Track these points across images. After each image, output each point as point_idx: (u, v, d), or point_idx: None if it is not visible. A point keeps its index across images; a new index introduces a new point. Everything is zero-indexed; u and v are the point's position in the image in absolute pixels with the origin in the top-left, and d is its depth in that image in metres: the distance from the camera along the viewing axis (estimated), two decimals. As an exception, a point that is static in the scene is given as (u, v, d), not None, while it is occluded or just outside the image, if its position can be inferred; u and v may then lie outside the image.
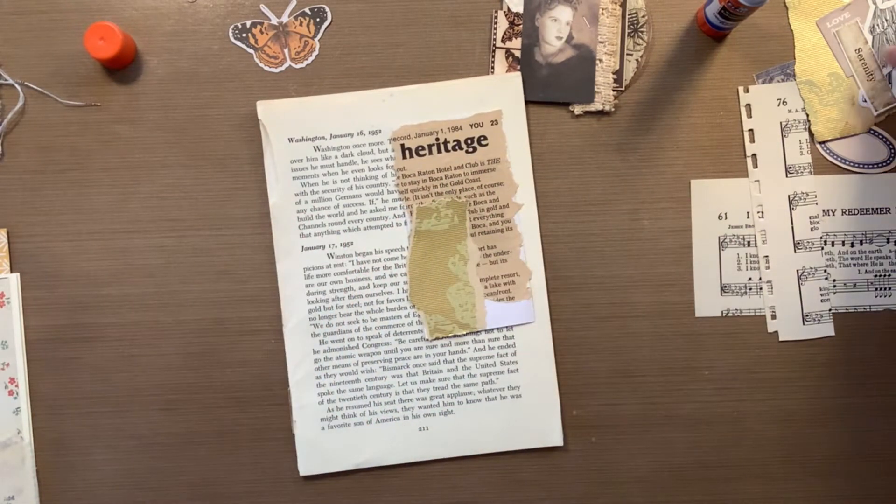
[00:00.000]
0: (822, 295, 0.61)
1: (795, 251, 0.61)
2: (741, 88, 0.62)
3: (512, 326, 0.60)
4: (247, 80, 0.61)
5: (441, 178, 0.60)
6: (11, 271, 0.61)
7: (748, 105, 0.62)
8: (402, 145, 0.60)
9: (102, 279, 0.61)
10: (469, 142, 0.60)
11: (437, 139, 0.60)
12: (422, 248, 0.60)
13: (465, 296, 0.60)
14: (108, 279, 0.61)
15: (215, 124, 0.61)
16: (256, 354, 0.61)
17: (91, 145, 0.61)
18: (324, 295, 0.60)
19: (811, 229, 0.61)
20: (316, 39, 0.62)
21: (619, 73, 0.62)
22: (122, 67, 0.61)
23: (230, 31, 0.61)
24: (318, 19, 0.62)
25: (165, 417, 0.61)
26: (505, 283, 0.60)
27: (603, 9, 0.61)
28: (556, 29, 0.61)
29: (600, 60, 0.61)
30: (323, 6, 0.62)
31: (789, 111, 0.61)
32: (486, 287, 0.60)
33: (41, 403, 0.61)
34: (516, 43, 0.61)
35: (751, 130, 0.62)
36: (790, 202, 0.61)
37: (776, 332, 0.61)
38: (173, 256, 0.61)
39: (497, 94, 0.61)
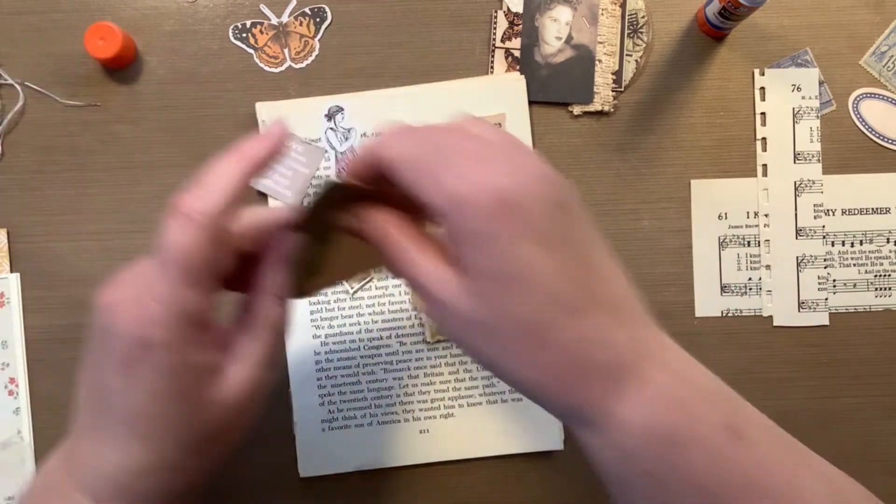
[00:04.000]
0: (819, 284, 0.61)
1: (797, 238, 0.61)
2: (756, 71, 0.62)
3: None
4: (247, 80, 0.61)
5: (443, 181, 0.60)
6: (11, 271, 0.60)
7: (762, 88, 0.62)
8: (405, 147, 0.60)
9: (102, 279, 0.61)
10: (471, 144, 0.60)
11: (440, 141, 0.60)
12: (423, 250, 0.60)
13: (466, 297, 0.60)
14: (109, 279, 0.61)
15: (215, 124, 0.61)
16: (257, 354, 0.61)
17: (91, 145, 0.61)
18: (325, 296, 0.60)
19: (814, 217, 0.61)
20: (316, 39, 0.62)
21: (618, 74, 0.62)
22: (122, 67, 0.61)
23: (230, 31, 0.61)
24: (318, 19, 0.62)
25: (165, 417, 0.61)
26: (507, 286, 0.60)
27: (602, 9, 0.61)
28: (556, 29, 0.61)
29: (600, 61, 0.61)
30: (323, 6, 0.62)
31: (803, 97, 0.62)
32: (487, 289, 0.60)
33: (41, 403, 0.61)
34: (516, 43, 0.61)
35: (763, 114, 0.62)
36: (796, 189, 0.61)
37: (770, 316, 0.62)
38: (173, 256, 0.61)
39: (500, 97, 0.61)
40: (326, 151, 0.60)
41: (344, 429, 0.60)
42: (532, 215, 0.37)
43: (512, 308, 0.37)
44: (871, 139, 0.62)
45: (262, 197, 0.60)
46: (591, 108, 0.61)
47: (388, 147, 0.39)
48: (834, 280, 0.61)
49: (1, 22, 0.61)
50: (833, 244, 0.61)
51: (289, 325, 0.45)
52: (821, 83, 0.62)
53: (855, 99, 0.62)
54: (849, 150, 0.62)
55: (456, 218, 0.37)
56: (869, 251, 0.61)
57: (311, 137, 0.60)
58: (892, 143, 0.62)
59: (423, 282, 0.39)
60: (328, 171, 0.60)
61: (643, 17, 0.62)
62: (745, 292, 0.61)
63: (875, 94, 0.62)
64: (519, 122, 0.60)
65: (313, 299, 0.60)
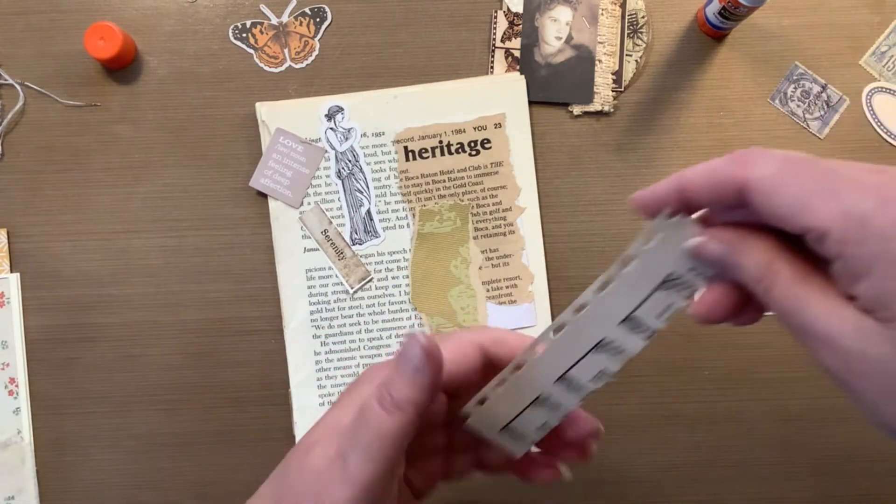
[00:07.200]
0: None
1: None
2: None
3: (513, 330, 0.60)
4: (247, 80, 0.61)
5: (444, 181, 0.60)
6: (11, 271, 0.60)
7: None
8: (406, 147, 0.60)
9: (102, 279, 0.61)
10: (472, 145, 0.60)
11: (441, 142, 0.60)
12: (424, 251, 0.60)
13: (466, 299, 0.60)
14: (108, 279, 0.61)
15: (215, 124, 0.61)
16: (256, 354, 0.61)
17: (91, 145, 0.61)
18: (325, 297, 0.60)
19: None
20: (316, 39, 0.62)
21: (618, 74, 0.62)
22: (122, 67, 0.61)
23: (230, 31, 0.61)
24: (318, 19, 0.62)
25: (165, 417, 0.61)
26: (507, 287, 0.60)
27: (602, 9, 0.61)
28: (556, 29, 0.61)
29: (599, 61, 0.61)
30: (323, 6, 0.62)
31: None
32: (487, 290, 0.60)
33: (41, 403, 0.61)
34: (516, 43, 0.61)
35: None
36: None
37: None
38: (173, 256, 0.61)
39: (501, 97, 0.61)
40: (326, 151, 0.60)
41: (344, 429, 0.60)
42: None
43: None
44: (883, 136, 0.62)
45: (262, 197, 0.60)
46: (591, 108, 0.61)
47: (745, 165, 0.33)
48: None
49: (1, 22, 0.61)
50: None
51: None
52: (824, 88, 0.62)
53: (867, 95, 0.61)
54: (862, 148, 0.62)
55: (855, 239, 0.30)
56: (869, 251, 0.61)
57: (311, 137, 0.60)
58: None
59: (811, 321, 0.31)
60: (328, 171, 0.60)
61: (643, 17, 0.62)
62: (745, 292, 0.61)
63: (884, 88, 0.62)
64: (519, 122, 0.60)
65: (313, 299, 0.60)
